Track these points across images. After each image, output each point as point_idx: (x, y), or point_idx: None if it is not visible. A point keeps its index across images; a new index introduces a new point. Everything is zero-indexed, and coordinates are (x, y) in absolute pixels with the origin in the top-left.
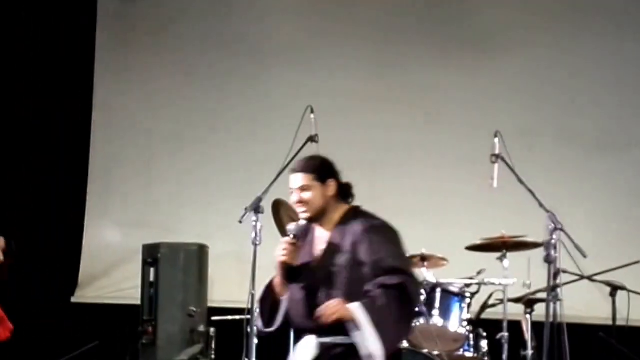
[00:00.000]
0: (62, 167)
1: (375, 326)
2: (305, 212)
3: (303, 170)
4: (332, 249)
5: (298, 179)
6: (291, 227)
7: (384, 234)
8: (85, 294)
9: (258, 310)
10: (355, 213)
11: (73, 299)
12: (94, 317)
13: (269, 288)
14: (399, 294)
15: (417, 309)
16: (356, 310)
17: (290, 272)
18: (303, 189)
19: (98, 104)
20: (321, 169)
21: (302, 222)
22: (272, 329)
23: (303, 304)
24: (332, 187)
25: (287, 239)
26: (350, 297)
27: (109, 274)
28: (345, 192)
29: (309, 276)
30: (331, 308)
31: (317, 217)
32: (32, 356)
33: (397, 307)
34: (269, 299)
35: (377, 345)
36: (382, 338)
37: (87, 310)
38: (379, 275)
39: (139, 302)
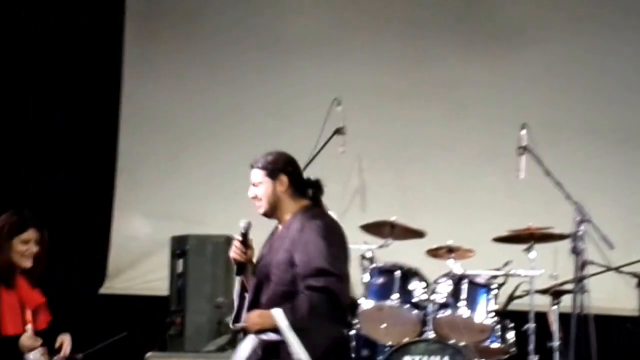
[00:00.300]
0: (90, 159)
1: (297, 331)
2: (259, 207)
3: (256, 166)
4: (275, 246)
5: (252, 175)
6: (241, 224)
7: (317, 233)
8: (113, 285)
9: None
10: (304, 211)
11: (102, 291)
12: (123, 308)
13: (242, 284)
14: (324, 296)
15: (348, 309)
16: (278, 317)
17: (245, 269)
18: (255, 184)
19: (126, 97)
20: (272, 165)
21: (249, 220)
22: (238, 325)
23: (249, 301)
24: (283, 183)
25: (237, 236)
26: (282, 297)
27: (137, 265)
28: (301, 188)
29: (257, 274)
30: (251, 319)
31: (271, 213)
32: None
33: (322, 310)
34: (241, 295)
35: (301, 350)
36: (305, 343)
37: (116, 302)
38: (308, 276)
39: (167, 293)
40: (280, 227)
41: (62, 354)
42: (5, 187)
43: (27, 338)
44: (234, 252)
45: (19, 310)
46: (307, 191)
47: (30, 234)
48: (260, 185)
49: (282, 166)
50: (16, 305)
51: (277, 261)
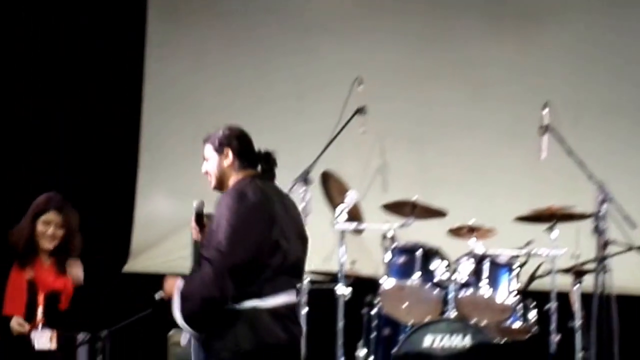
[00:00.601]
0: (114, 138)
1: (182, 297)
2: (210, 182)
3: (205, 141)
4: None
5: (204, 150)
6: (194, 204)
7: (222, 207)
8: (137, 264)
9: None
10: (236, 182)
11: (125, 269)
12: (146, 286)
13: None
14: (207, 268)
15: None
16: (177, 285)
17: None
18: (206, 159)
19: (149, 76)
20: (218, 140)
21: (202, 200)
22: (157, 295)
23: None
24: (228, 157)
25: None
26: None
27: (160, 244)
28: (250, 161)
29: None
30: (166, 287)
31: (220, 187)
32: (85, 324)
33: (203, 281)
34: None
35: (178, 315)
36: (183, 308)
37: (139, 280)
38: (206, 247)
39: (189, 271)
40: None
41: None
42: (60, 159)
43: (16, 323)
44: (192, 232)
45: (24, 291)
46: (257, 164)
47: (51, 215)
48: (209, 160)
49: (227, 140)
50: (23, 286)
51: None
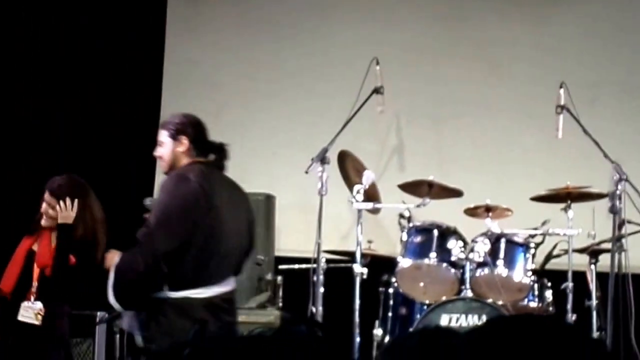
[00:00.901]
0: (135, 119)
1: (115, 272)
2: (162, 167)
3: (160, 127)
4: None
5: (158, 135)
6: (146, 202)
7: (161, 189)
8: None
9: None
10: (178, 169)
11: None
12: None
13: None
14: (137, 246)
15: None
16: (116, 259)
17: None
18: (159, 144)
19: (169, 57)
20: (174, 127)
21: (152, 198)
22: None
23: None
24: (183, 144)
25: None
26: None
27: None
28: (204, 150)
29: None
30: (107, 258)
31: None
32: (104, 302)
33: (131, 258)
34: None
35: (110, 290)
36: (115, 284)
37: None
38: (144, 225)
39: None
40: None
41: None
42: (80, 140)
43: None
44: None
45: (20, 263)
46: (210, 154)
47: (45, 195)
48: (163, 145)
49: (183, 128)
50: (21, 258)
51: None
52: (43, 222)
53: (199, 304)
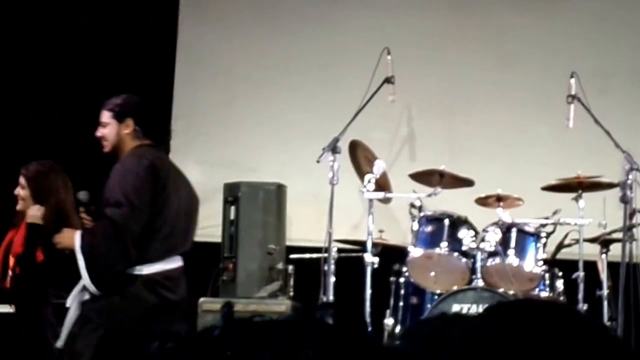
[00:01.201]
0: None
1: (84, 254)
2: (104, 147)
3: (104, 108)
4: (106, 185)
5: (101, 115)
6: (80, 197)
7: (121, 170)
8: None
9: None
10: (133, 149)
11: None
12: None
13: None
14: (110, 227)
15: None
16: (76, 238)
17: None
18: (102, 125)
19: (182, 45)
20: (119, 108)
21: (86, 191)
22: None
23: None
24: (129, 126)
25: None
26: None
27: None
28: (147, 132)
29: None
30: (58, 237)
31: (114, 153)
32: None
33: (107, 239)
34: None
35: (85, 274)
36: (89, 267)
37: None
38: (107, 205)
39: (219, 239)
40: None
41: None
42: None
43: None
44: (84, 221)
45: (1, 255)
46: (153, 136)
47: (20, 178)
48: (107, 126)
49: (129, 109)
50: (3, 249)
51: (102, 198)
52: (18, 206)
53: (138, 281)
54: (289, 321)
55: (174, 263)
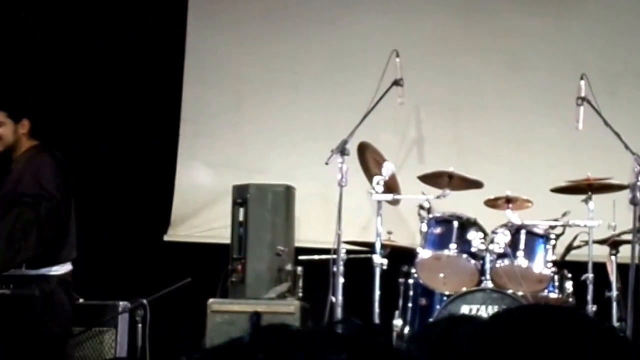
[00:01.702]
0: (155, 109)
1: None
2: None
3: None
4: (9, 180)
5: None
6: None
7: (34, 164)
8: (177, 233)
9: None
10: (35, 148)
11: (165, 237)
12: (186, 254)
13: None
14: (15, 216)
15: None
16: None
17: None
18: None
19: (190, 48)
20: (17, 108)
21: None
22: None
23: None
24: (25, 126)
25: None
26: None
27: (200, 213)
28: (35, 131)
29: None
30: None
31: (7, 151)
32: (126, 291)
33: (11, 227)
34: None
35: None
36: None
37: (179, 248)
38: (27, 195)
39: (228, 241)
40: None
41: None
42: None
43: None
44: None
45: None
46: (41, 138)
47: None
48: (2, 126)
49: (26, 110)
50: None
51: (7, 192)
52: None
53: (54, 281)
54: (317, 330)
55: (70, 264)
